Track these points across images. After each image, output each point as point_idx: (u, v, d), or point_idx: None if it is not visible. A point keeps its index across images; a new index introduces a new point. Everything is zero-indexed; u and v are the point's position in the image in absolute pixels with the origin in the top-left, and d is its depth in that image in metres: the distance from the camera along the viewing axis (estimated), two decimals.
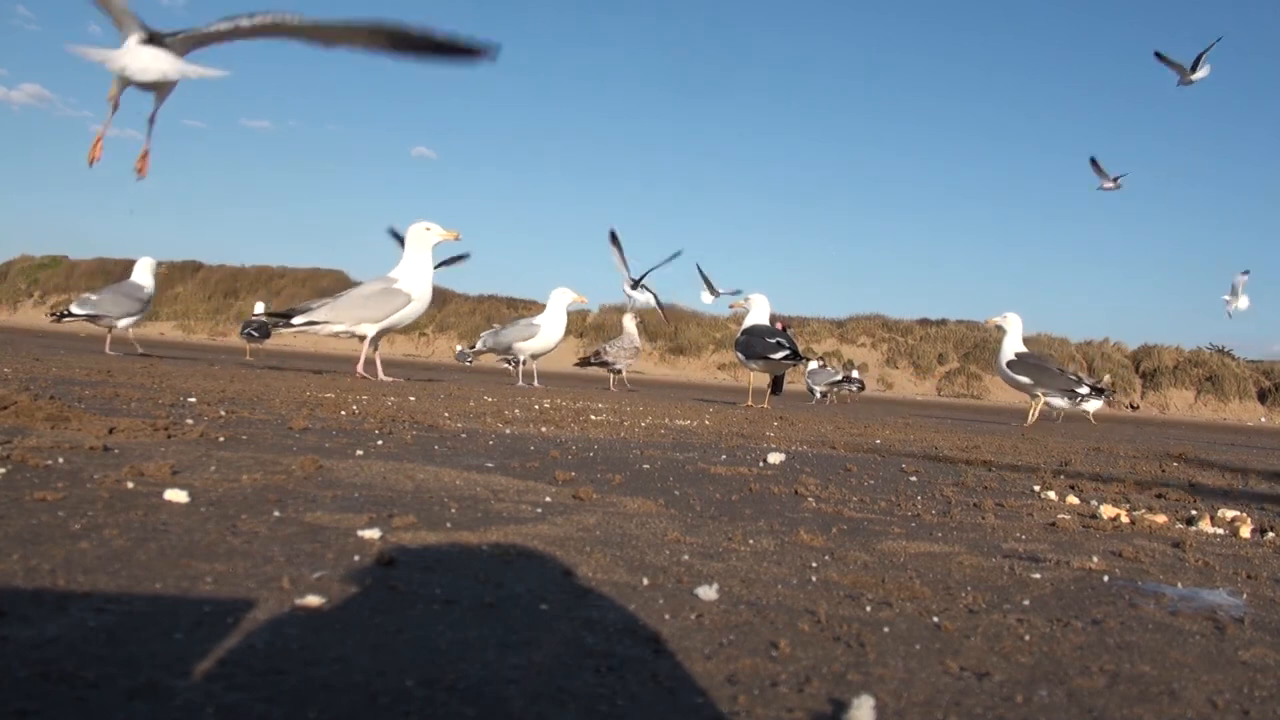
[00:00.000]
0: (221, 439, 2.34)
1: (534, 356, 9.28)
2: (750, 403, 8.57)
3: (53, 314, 8.88)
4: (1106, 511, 2.16)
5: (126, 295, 8.93)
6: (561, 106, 71.24)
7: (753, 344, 7.77)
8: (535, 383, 9.41)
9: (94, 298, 8.88)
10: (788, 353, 7.55)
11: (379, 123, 70.15)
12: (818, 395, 14.30)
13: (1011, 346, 8.92)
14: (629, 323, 11.13)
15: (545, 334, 9.15)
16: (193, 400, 3.49)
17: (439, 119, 70.30)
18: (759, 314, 8.17)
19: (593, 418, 4.53)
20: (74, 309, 8.72)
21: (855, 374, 16.43)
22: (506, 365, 10.80)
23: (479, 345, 9.31)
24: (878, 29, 68.89)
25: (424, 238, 6.11)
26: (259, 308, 13.15)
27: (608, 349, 10.89)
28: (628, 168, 68.20)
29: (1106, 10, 65.32)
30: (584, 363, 11.20)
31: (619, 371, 11.11)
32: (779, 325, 17.78)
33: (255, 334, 12.64)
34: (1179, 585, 1.46)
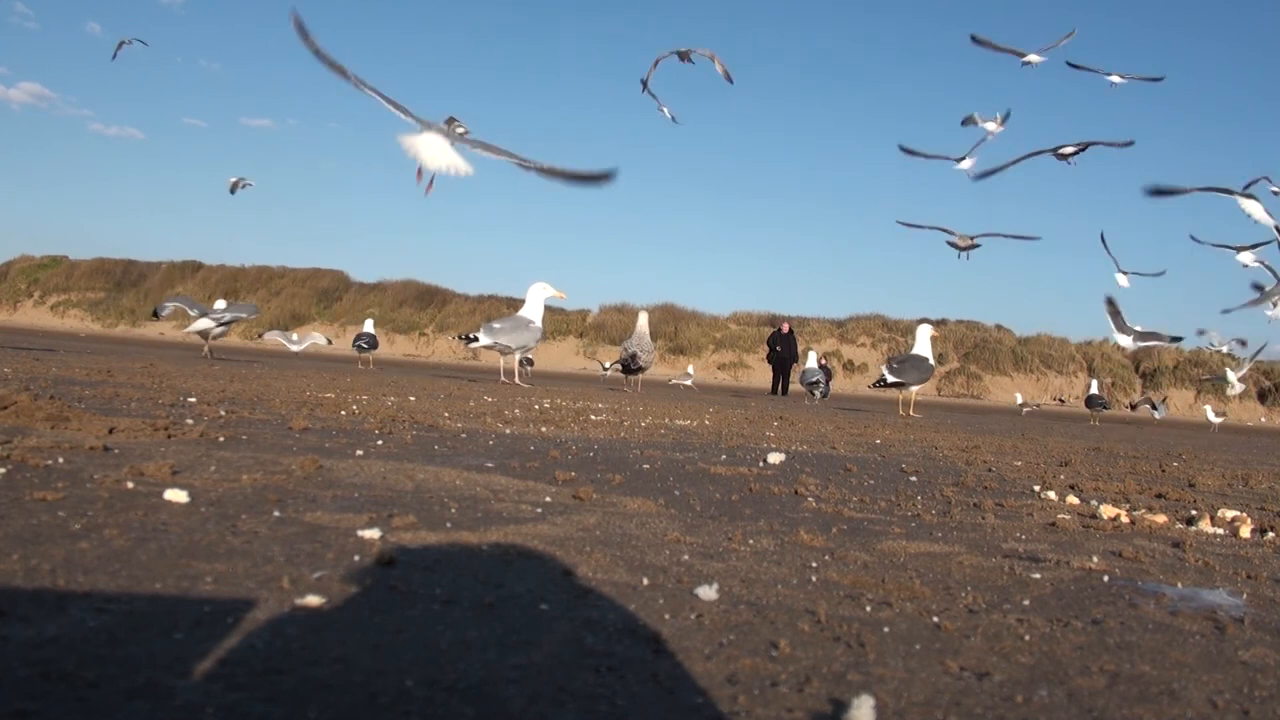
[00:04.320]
0: (221, 439, 2.34)
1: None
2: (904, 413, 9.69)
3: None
4: (1106, 511, 2.16)
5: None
6: (562, 105, 71.25)
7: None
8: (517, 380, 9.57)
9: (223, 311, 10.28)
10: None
11: (380, 121, 69.97)
12: (816, 396, 14.30)
13: None
14: (643, 322, 11.08)
15: (542, 332, 9.55)
16: (193, 400, 3.49)
17: (439, 118, 70.09)
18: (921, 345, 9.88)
19: (593, 418, 4.53)
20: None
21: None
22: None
23: (484, 340, 9.24)
24: (878, 27, 68.91)
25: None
26: (369, 325, 14.08)
27: (641, 355, 10.80)
28: (628, 167, 68.21)
29: (1106, 9, 65.32)
30: (625, 369, 11.10)
31: (644, 370, 11.07)
32: (785, 328, 17.69)
33: (365, 346, 13.44)
34: (1179, 585, 1.46)
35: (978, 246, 10.70)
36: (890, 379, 9.43)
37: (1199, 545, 1.85)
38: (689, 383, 18.00)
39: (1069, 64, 9.95)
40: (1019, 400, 19.61)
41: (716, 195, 68.52)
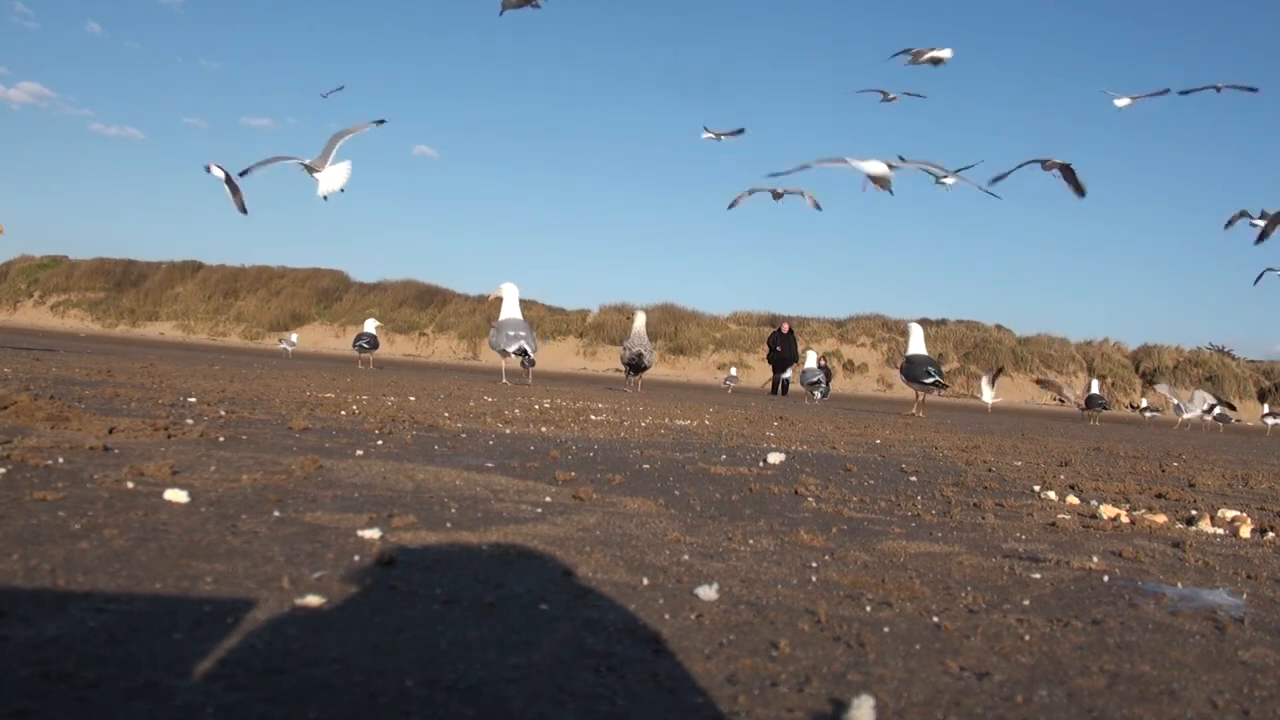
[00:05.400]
0: (221, 439, 2.34)
1: None
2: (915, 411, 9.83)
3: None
4: (1106, 511, 2.16)
5: None
6: (564, 105, 71.20)
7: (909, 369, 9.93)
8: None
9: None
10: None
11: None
12: (816, 396, 14.31)
13: None
14: (640, 322, 11.07)
15: None
16: (193, 400, 3.49)
17: (441, 117, 70.16)
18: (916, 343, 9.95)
19: (593, 418, 4.53)
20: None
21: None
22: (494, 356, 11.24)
23: (531, 349, 9.43)
24: (876, 26, 68.92)
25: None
26: (369, 324, 14.14)
27: (645, 355, 10.78)
28: (628, 166, 68.15)
29: (1106, 10, 65.34)
30: (631, 369, 11.04)
31: (647, 369, 11.05)
32: (785, 328, 17.70)
33: (366, 346, 13.67)
34: (1179, 585, 1.46)
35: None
36: (933, 378, 9.55)
37: (1199, 545, 1.85)
38: (733, 386, 20.99)
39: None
40: (986, 397, 16.86)
41: (716, 195, 68.57)
